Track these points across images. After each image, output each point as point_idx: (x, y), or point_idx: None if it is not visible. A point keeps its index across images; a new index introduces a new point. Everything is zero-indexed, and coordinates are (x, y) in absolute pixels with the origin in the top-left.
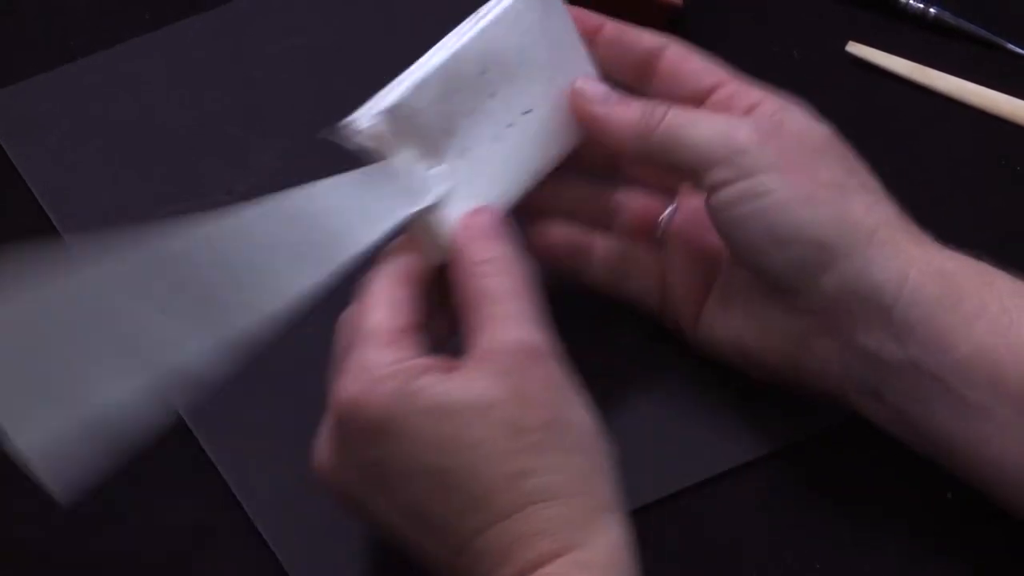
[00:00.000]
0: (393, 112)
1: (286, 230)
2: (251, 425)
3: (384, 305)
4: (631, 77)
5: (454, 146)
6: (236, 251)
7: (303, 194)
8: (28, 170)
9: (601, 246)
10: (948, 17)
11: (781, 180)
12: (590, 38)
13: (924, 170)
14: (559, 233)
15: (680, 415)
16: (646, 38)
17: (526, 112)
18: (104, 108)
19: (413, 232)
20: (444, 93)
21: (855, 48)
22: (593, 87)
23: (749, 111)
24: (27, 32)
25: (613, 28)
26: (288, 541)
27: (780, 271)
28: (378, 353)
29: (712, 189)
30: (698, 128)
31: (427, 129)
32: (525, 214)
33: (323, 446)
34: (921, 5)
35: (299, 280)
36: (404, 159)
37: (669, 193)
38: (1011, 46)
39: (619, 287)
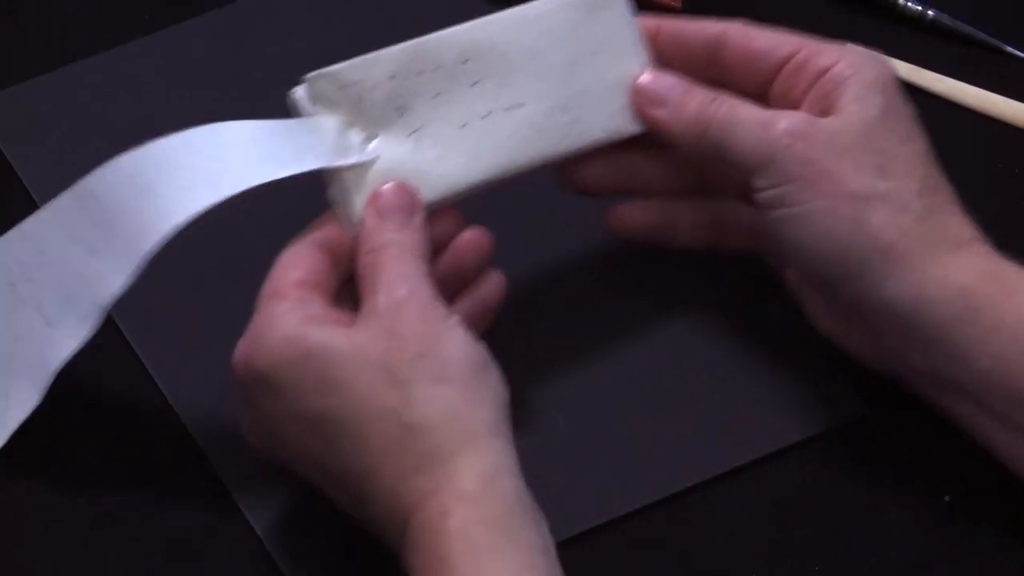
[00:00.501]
0: (326, 77)
1: (188, 156)
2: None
3: (289, 266)
4: (701, 72)
5: (404, 123)
6: (138, 176)
7: (217, 127)
8: (26, 171)
9: (688, 219)
10: (946, 19)
11: (803, 192)
12: (652, 41)
13: None
14: (638, 215)
15: (679, 416)
16: (706, 28)
17: (513, 107)
18: (103, 110)
19: (332, 201)
20: (404, 72)
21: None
22: (654, 85)
23: (821, 76)
24: (26, 34)
25: (671, 27)
26: (285, 543)
27: (808, 273)
28: (272, 306)
29: (751, 192)
30: (737, 132)
31: (370, 102)
32: (608, 197)
33: (240, 414)
34: (919, 7)
35: (182, 207)
36: (332, 122)
37: None
38: (1009, 48)
39: (714, 247)
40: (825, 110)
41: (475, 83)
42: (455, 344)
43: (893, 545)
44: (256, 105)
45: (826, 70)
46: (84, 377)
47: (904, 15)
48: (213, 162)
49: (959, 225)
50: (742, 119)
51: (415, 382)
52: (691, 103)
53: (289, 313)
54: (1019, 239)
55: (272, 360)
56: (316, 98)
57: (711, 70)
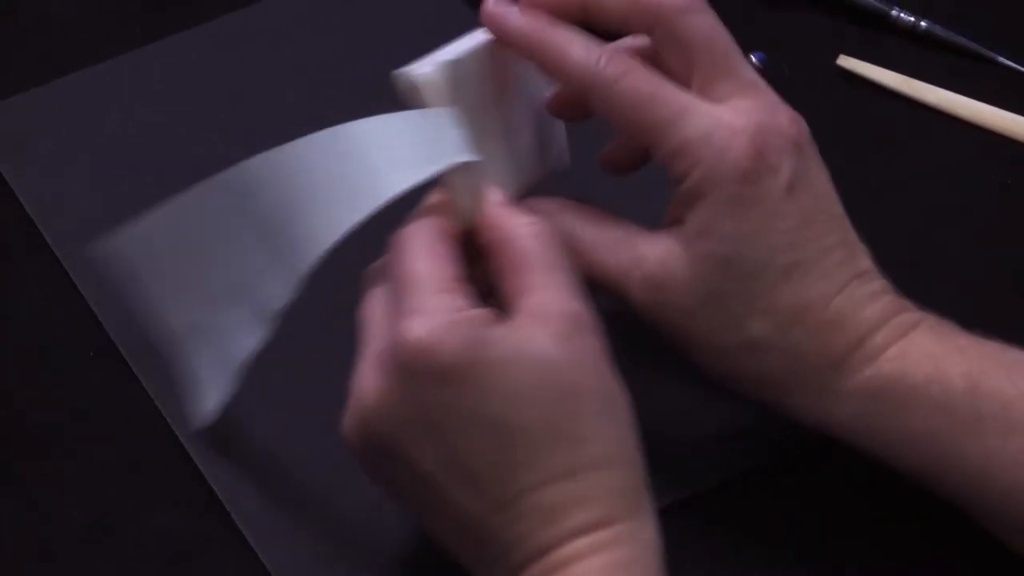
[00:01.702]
0: (454, 66)
1: (336, 164)
2: (242, 438)
3: (428, 257)
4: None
5: (487, 124)
6: (290, 183)
7: (354, 129)
8: (18, 184)
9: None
10: (938, 30)
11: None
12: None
13: (914, 183)
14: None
15: (665, 431)
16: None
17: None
18: (94, 122)
19: (448, 190)
20: (484, 72)
21: (846, 61)
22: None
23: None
24: (17, 46)
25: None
26: (278, 553)
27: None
28: (439, 299)
29: (677, 180)
30: (682, 118)
31: (472, 96)
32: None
33: (369, 386)
34: (911, 18)
35: (343, 217)
36: (452, 114)
37: None
38: (1001, 59)
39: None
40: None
41: (520, 93)
42: (623, 389)
43: (889, 556)
44: (249, 116)
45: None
46: (75, 386)
47: (897, 26)
48: (375, 163)
49: (883, 287)
50: (683, 103)
51: (602, 419)
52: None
53: (463, 310)
54: (1011, 250)
55: (461, 357)
56: (435, 87)
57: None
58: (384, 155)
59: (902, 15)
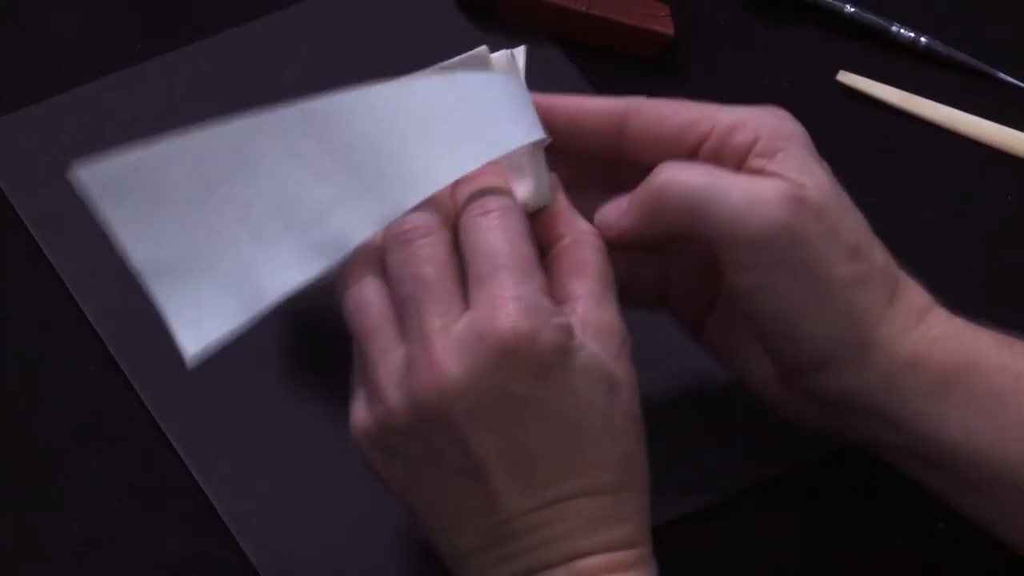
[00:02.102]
0: (515, 55)
1: (449, 109)
2: (244, 456)
3: (518, 239)
4: (601, 154)
5: None
6: (398, 121)
7: (473, 77)
8: (18, 199)
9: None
10: (939, 46)
11: (794, 282)
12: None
13: (915, 199)
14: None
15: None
16: (604, 109)
17: None
18: (95, 138)
19: (511, 170)
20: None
21: (846, 77)
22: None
23: (748, 152)
24: (18, 62)
25: (565, 107)
26: (278, 571)
27: (779, 360)
28: (531, 286)
29: (726, 265)
30: (722, 201)
31: None
32: None
33: (454, 360)
34: (912, 34)
35: (463, 159)
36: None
37: None
38: (1002, 75)
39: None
40: None
41: None
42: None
43: (885, 572)
44: None
45: (749, 147)
46: (75, 401)
47: (897, 42)
48: (482, 117)
49: (916, 293)
50: (725, 183)
51: (643, 442)
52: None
53: (557, 313)
54: (1012, 266)
55: (555, 357)
56: (513, 68)
57: (612, 152)
58: (494, 110)
59: (902, 31)
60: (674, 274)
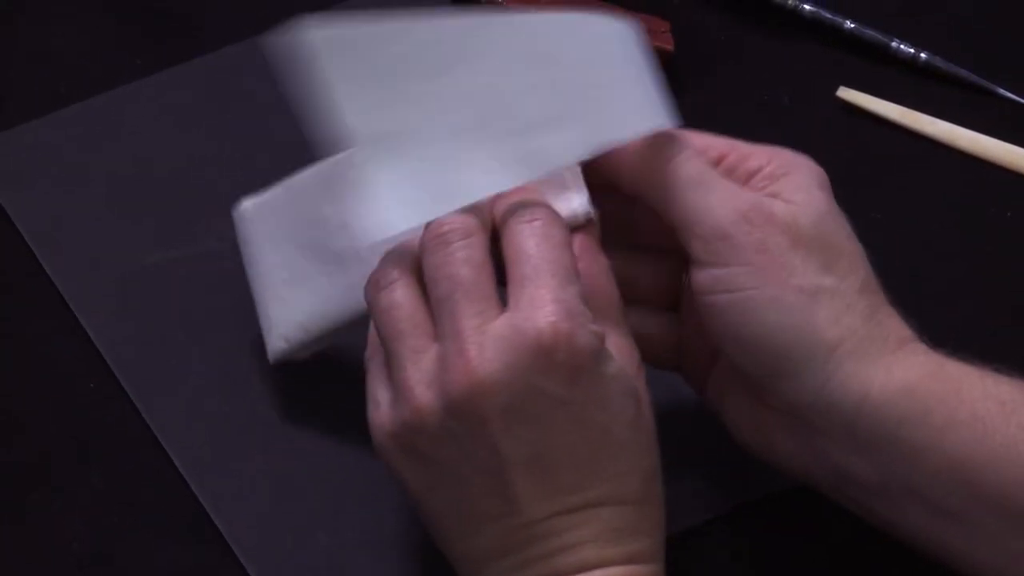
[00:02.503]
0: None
1: (588, 83)
2: (243, 470)
3: (561, 246)
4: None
5: None
6: (603, 56)
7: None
8: (19, 215)
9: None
10: (939, 62)
11: (754, 278)
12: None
13: (915, 215)
14: None
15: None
16: (631, 150)
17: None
18: (94, 154)
19: (563, 184)
20: None
21: (846, 93)
22: None
23: (754, 175)
24: (18, 78)
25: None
26: None
27: (743, 367)
28: (571, 291)
29: (691, 261)
30: (699, 191)
31: None
32: None
33: (490, 357)
34: (912, 50)
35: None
36: None
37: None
38: (1002, 91)
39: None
40: None
41: None
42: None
43: None
44: (249, 148)
45: (759, 169)
46: (75, 416)
47: (897, 58)
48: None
49: (898, 326)
50: (707, 180)
51: (658, 458)
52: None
53: (590, 318)
54: (1012, 282)
55: (589, 360)
56: None
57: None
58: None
59: (902, 47)
60: (684, 338)
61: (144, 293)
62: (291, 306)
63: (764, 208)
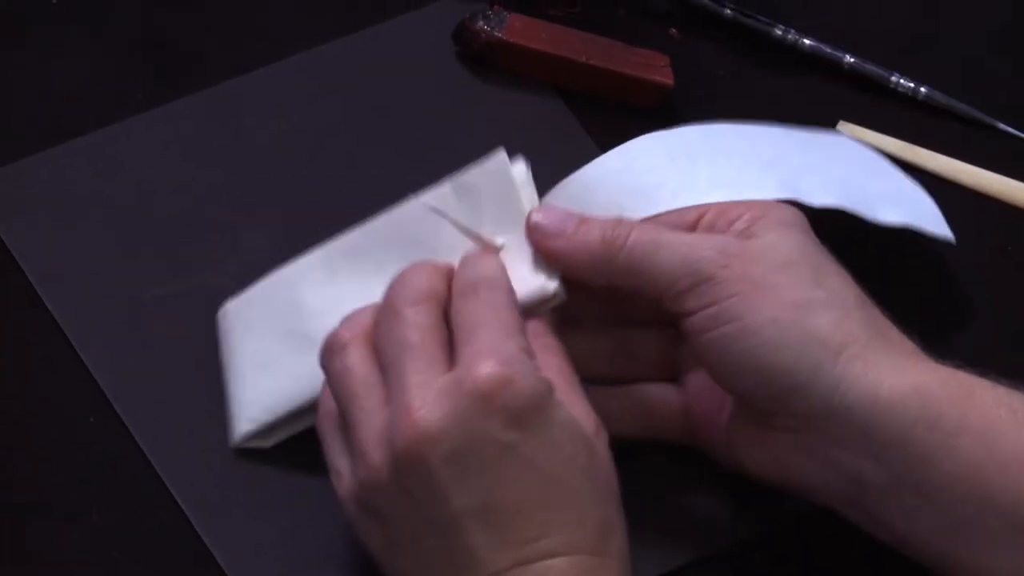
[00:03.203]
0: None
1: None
2: (246, 506)
3: (505, 307)
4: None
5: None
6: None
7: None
8: (20, 250)
9: (616, 406)
10: (939, 96)
11: (745, 305)
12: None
13: (914, 249)
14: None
15: (656, 501)
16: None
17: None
18: (95, 188)
19: (528, 265)
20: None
21: (845, 128)
22: (548, 218)
23: (733, 223)
24: (20, 112)
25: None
26: None
27: (752, 394)
28: (516, 341)
29: (680, 315)
30: (660, 255)
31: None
32: None
33: (430, 410)
34: (911, 84)
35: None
36: None
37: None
38: (1002, 125)
39: (643, 429)
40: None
41: None
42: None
43: None
44: (251, 181)
45: (738, 217)
46: (75, 451)
47: (896, 92)
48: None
49: (901, 339)
50: (666, 241)
51: (617, 511)
52: (592, 229)
53: (535, 370)
54: (1012, 316)
55: (535, 405)
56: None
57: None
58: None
59: (902, 81)
60: (690, 400)
61: (144, 327)
62: (260, 389)
63: (735, 244)
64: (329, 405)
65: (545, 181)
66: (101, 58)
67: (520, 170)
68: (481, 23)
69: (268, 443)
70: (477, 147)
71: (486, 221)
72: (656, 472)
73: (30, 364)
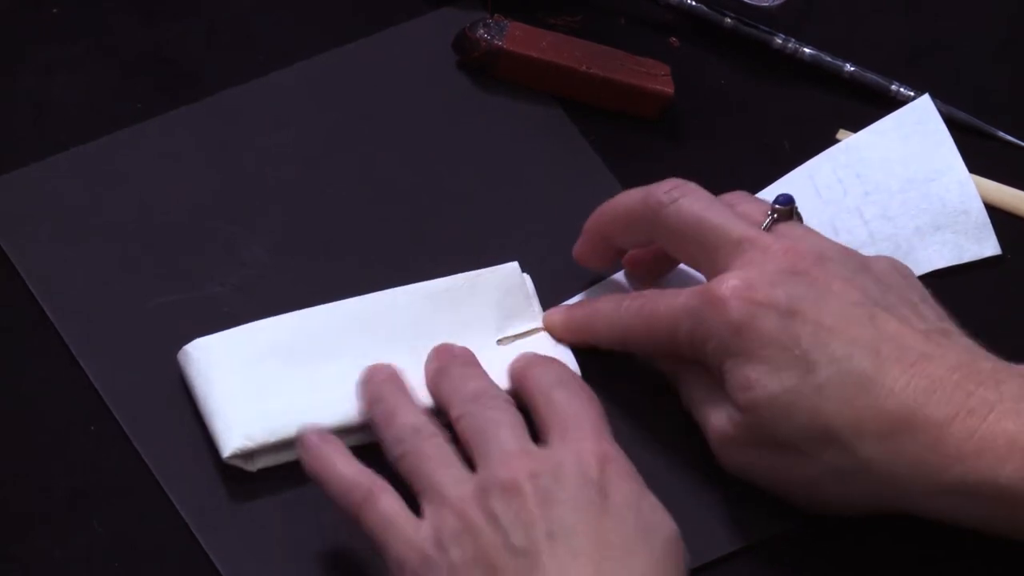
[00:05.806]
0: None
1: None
2: (248, 516)
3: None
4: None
5: None
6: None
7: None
8: (19, 258)
9: None
10: (939, 106)
11: (739, 345)
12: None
13: None
14: None
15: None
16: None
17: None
18: (96, 198)
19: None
20: None
21: (845, 136)
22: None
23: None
24: (18, 122)
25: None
26: None
27: (787, 442)
28: (522, 438)
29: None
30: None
31: None
32: None
33: (461, 513)
34: (911, 93)
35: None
36: None
37: None
38: (1002, 134)
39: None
40: None
41: None
42: None
43: None
44: (250, 191)
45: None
46: (77, 461)
47: (896, 101)
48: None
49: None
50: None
51: None
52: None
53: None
54: (1011, 324)
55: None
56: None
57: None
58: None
59: (902, 90)
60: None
61: (145, 337)
62: (262, 409)
63: (696, 297)
64: None
65: (545, 189)
66: (101, 68)
67: (527, 281)
68: (481, 32)
69: (253, 468)
70: (477, 156)
71: (496, 317)
72: (666, 476)
73: (30, 373)
